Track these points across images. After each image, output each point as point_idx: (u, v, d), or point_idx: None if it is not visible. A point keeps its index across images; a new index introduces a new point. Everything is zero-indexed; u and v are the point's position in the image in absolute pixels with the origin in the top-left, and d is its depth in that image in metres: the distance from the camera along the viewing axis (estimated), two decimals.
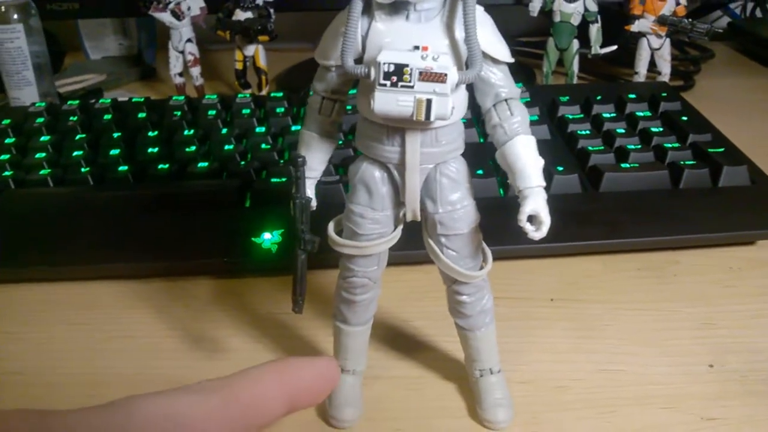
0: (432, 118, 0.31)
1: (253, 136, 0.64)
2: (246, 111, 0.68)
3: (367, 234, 0.36)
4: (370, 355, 0.42)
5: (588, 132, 0.64)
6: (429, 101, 0.31)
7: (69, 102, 0.72)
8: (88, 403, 0.41)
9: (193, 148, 0.63)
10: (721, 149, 0.61)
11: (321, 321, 0.47)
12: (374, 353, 0.44)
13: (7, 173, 0.60)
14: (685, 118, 0.66)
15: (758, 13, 1.09)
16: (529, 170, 0.34)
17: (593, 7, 0.78)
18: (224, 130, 0.66)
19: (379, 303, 0.40)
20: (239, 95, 0.72)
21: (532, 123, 0.64)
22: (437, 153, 0.34)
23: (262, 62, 0.81)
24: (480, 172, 0.57)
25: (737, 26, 1.04)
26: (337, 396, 0.40)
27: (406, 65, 0.31)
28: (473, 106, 0.36)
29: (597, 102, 0.69)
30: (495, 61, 0.34)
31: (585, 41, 0.80)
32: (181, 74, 0.81)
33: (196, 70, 0.81)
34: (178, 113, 0.68)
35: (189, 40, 0.80)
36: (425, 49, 0.31)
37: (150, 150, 0.62)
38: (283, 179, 0.57)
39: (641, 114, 0.67)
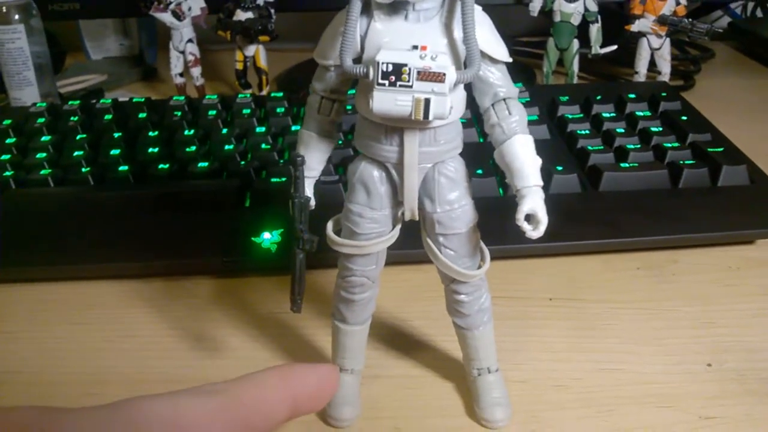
0: (430, 117, 0.31)
1: (253, 136, 0.65)
2: (246, 111, 0.69)
3: (365, 233, 0.36)
4: (368, 354, 0.42)
5: (588, 132, 0.64)
6: (427, 101, 0.31)
7: (70, 102, 0.72)
8: (88, 402, 0.42)
9: (194, 148, 0.63)
10: (721, 149, 0.61)
11: (320, 320, 0.47)
12: (372, 352, 0.44)
13: (8, 173, 0.60)
14: (684, 118, 0.66)
15: (759, 13, 1.09)
16: (527, 169, 0.34)
17: (593, 7, 0.78)
18: (224, 130, 0.66)
19: (377, 302, 0.40)
20: (239, 95, 0.72)
21: (532, 123, 0.64)
22: (435, 152, 0.35)
23: (262, 62, 0.81)
24: (479, 171, 0.57)
25: (738, 26, 1.04)
26: (335, 395, 0.40)
27: (405, 65, 0.31)
28: (473, 105, 0.36)
29: (597, 102, 0.69)
30: (493, 60, 0.34)
31: (585, 41, 0.80)
32: (181, 74, 0.82)
33: (196, 71, 0.82)
34: (179, 113, 0.68)
35: (190, 41, 0.80)
36: (424, 48, 0.31)
37: (150, 150, 0.63)
38: (283, 179, 0.57)
39: (641, 114, 0.67)
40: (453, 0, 0.32)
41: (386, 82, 0.31)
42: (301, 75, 0.89)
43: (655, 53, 0.81)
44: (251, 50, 0.80)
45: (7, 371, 0.45)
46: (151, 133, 0.65)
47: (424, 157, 0.34)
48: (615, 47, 0.80)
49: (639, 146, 0.61)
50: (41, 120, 0.68)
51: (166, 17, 0.77)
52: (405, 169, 0.35)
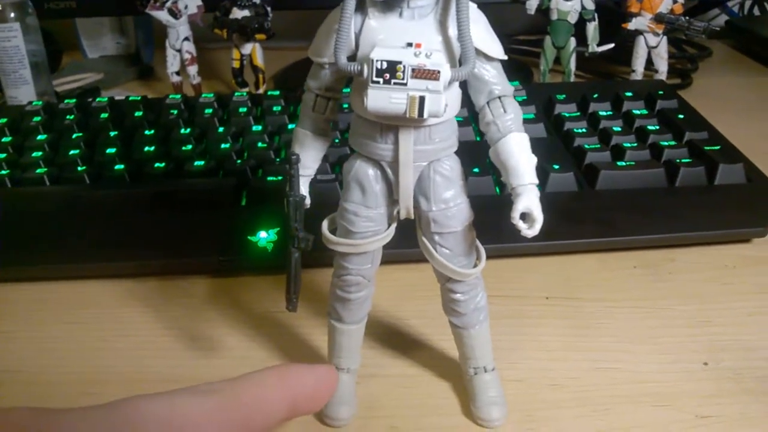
0: (425, 115, 0.31)
1: (249, 135, 0.64)
2: (243, 109, 0.68)
3: (361, 232, 0.36)
4: (364, 353, 0.42)
5: (584, 130, 0.64)
6: (422, 98, 0.31)
7: (66, 101, 0.72)
8: (85, 402, 0.41)
9: (190, 146, 0.63)
10: (718, 147, 0.61)
11: (316, 319, 0.47)
12: (369, 351, 0.44)
13: (3, 172, 0.60)
14: (681, 116, 0.66)
15: (756, 11, 1.09)
16: (522, 168, 0.34)
17: (590, 5, 0.78)
18: (221, 129, 0.66)
19: (373, 301, 0.40)
20: (236, 94, 0.72)
21: (528, 121, 0.64)
22: (431, 150, 0.34)
23: (259, 61, 0.81)
24: (476, 170, 0.57)
25: (735, 24, 1.04)
26: None
27: (399, 62, 0.31)
28: (469, 104, 0.36)
29: (593, 100, 0.69)
30: (488, 58, 0.34)
31: (582, 39, 0.80)
32: (178, 73, 0.81)
33: (193, 69, 0.81)
34: (175, 112, 0.68)
35: (186, 39, 0.80)
36: (418, 46, 0.31)
37: (146, 149, 0.62)
38: (280, 178, 0.57)
39: (638, 112, 0.67)
40: None
41: (381, 80, 0.31)
42: (297, 73, 0.89)
43: (652, 51, 0.81)
44: (248, 48, 0.80)
45: (3, 370, 0.45)
46: (147, 132, 0.65)
47: (420, 155, 0.34)
48: (612, 45, 0.80)
49: (636, 145, 0.61)
50: (37, 118, 0.68)
51: (163, 15, 0.77)
52: (400, 168, 0.34)
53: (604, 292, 0.50)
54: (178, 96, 0.72)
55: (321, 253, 0.37)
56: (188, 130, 0.65)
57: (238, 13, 0.77)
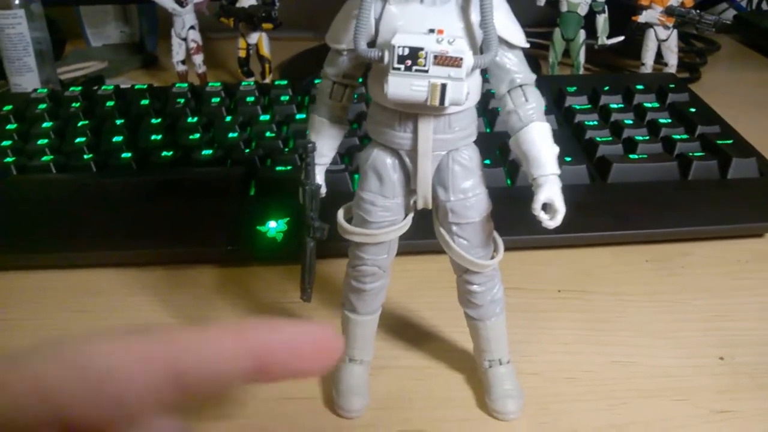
0: (446, 103, 0.31)
1: (257, 124, 0.64)
2: (250, 99, 0.68)
3: (377, 221, 0.36)
4: (377, 344, 0.41)
5: (596, 123, 0.63)
6: (444, 86, 0.30)
7: (71, 88, 0.71)
8: None
9: (197, 135, 0.62)
10: (730, 141, 0.60)
11: (328, 310, 0.46)
12: (382, 343, 0.44)
13: (9, 159, 0.59)
14: (693, 110, 0.65)
15: (764, 6, 1.08)
16: (543, 158, 0.34)
17: None
18: (228, 118, 0.65)
19: (387, 292, 0.40)
20: (243, 83, 0.71)
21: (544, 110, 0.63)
22: (450, 140, 0.34)
23: (265, 50, 0.80)
24: (487, 162, 0.56)
25: (743, 19, 1.03)
26: (344, 385, 0.40)
27: (421, 49, 0.30)
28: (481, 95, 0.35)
29: (604, 93, 0.68)
30: (510, 45, 0.33)
31: (592, 32, 0.79)
32: (183, 62, 0.81)
33: (198, 58, 0.81)
34: (182, 100, 0.68)
35: (192, 28, 0.79)
36: (440, 32, 0.31)
37: (153, 137, 0.62)
38: (289, 167, 0.57)
39: (649, 105, 0.66)
40: None
41: (402, 67, 0.30)
42: (304, 63, 0.88)
43: (662, 45, 0.80)
44: (254, 38, 0.79)
45: None
46: (153, 120, 0.65)
47: (439, 144, 0.34)
48: (622, 38, 0.80)
49: (648, 138, 0.61)
50: (42, 106, 0.67)
51: (168, 3, 0.76)
52: (419, 157, 0.34)
53: (618, 285, 0.50)
54: (185, 85, 0.71)
55: (335, 243, 0.37)
56: (195, 119, 0.65)
57: (245, 2, 0.76)
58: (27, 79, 0.76)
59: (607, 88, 0.69)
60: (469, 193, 0.35)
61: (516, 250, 0.52)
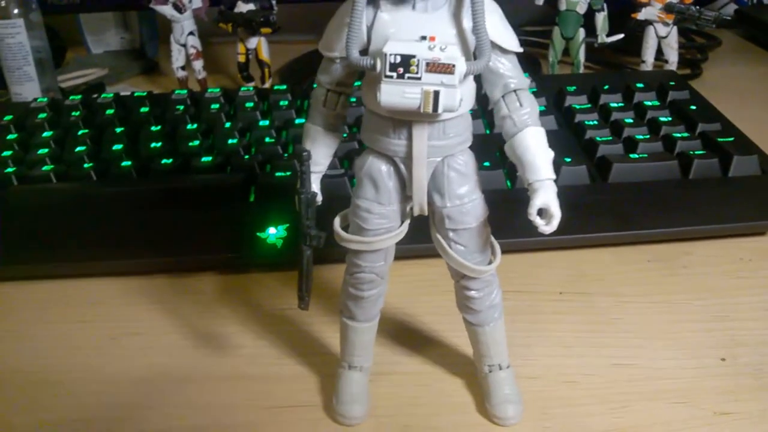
0: (440, 110, 0.31)
1: (256, 130, 0.64)
2: (249, 104, 0.68)
3: (374, 229, 0.36)
4: (377, 351, 0.41)
5: (596, 122, 0.63)
6: (437, 93, 0.30)
7: (71, 97, 0.71)
8: (92, 401, 0.41)
9: (197, 142, 0.62)
10: (731, 138, 0.60)
11: (327, 317, 0.46)
12: (381, 349, 0.44)
13: (9, 169, 0.59)
14: (693, 107, 0.65)
15: (765, 0, 1.08)
16: (538, 162, 0.33)
17: None
18: (228, 124, 0.65)
19: (386, 298, 0.40)
20: (242, 88, 0.71)
21: (539, 113, 0.63)
22: (445, 146, 0.34)
23: (264, 55, 0.80)
24: (487, 164, 0.56)
25: (744, 13, 1.03)
26: (344, 393, 0.40)
27: (413, 56, 0.30)
28: (477, 95, 0.35)
29: (604, 91, 0.68)
30: (503, 50, 0.33)
31: (591, 30, 0.79)
32: (183, 68, 0.81)
33: (198, 64, 0.81)
34: (181, 107, 0.68)
35: (191, 33, 0.79)
36: (432, 39, 0.31)
37: (153, 145, 0.62)
38: (288, 173, 0.57)
39: (649, 103, 0.66)
40: None
41: (394, 74, 0.30)
42: (303, 67, 0.88)
43: (661, 42, 0.80)
44: (253, 43, 0.79)
45: (10, 370, 0.44)
46: (153, 128, 0.65)
47: (433, 150, 0.34)
48: (621, 36, 0.79)
49: (648, 136, 0.60)
50: (43, 115, 0.68)
51: (167, 10, 0.77)
52: (414, 163, 0.34)
53: (619, 286, 0.50)
54: (184, 91, 0.71)
55: (333, 250, 0.37)
56: (195, 125, 0.65)
57: (243, 7, 0.76)
58: (27, 89, 0.76)
59: (607, 86, 0.68)
60: (465, 199, 0.35)
61: (517, 252, 0.52)
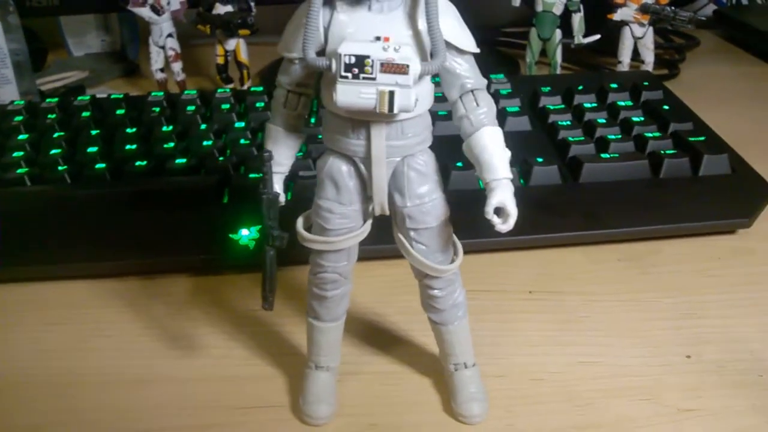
0: (395, 110, 0.31)
1: (232, 132, 0.64)
2: (225, 106, 0.68)
3: (335, 229, 0.36)
4: (344, 350, 0.41)
5: (569, 123, 0.63)
6: (392, 93, 0.31)
7: (47, 100, 0.71)
8: (62, 404, 0.41)
9: (172, 144, 0.62)
10: (702, 138, 0.60)
11: (297, 317, 0.47)
12: (349, 349, 0.44)
13: None
14: (666, 107, 0.65)
15: (744, 1, 1.08)
16: (495, 162, 0.34)
17: None
18: (203, 126, 0.65)
19: (353, 298, 0.40)
20: (219, 90, 0.71)
21: (513, 114, 0.64)
22: (404, 146, 0.34)
23: (243, 56, 0.80)
24: (459, 164, 0.56)
25: (723, 14, 1.03)
26: (311, 393, 0.40)
27: (368, 57, 0.30)
28: None
29: (578, 92, 0.68)
30: (460, 51, 0.33)
31: (568, 31, 0.79)
32: (162, 70, 0.81)
33: (177, 66, 0.81)
34: (157, 109, 0.68)
35: (170, 35, 0.79)
36: (387, 40, 0.31)
37: (128, 147, 0.62)
38: (261, 174, 0.56)
39: (622, 103, 0.66)
40: None
41: (349, 75, 0.30)
42: None
43: (638, 42, 0.80)
44: (232, 44, 0.79)
45: None
46: (129, 130, 0.65)
47: (393, 150, 0.34)
48: (598, 37, 0.80)
49: (620, 136, 0.61)
50: (18, 118, 0.67)
51: (145, 12, 0.77)
52: (373, 163, 0.34)
53: (588, 285, 0.50)
54: (161, 93, 0.71)
55: (299, 251, 0.37)
56: (170, 127, 0.65)
57: (221, 9, 0.76)
58: (5, 92, 0.76)
59: (581, 87, 0.69)
60: (426, 198, 0.35)
61: (488, 251, 0.52)
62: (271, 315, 0.46)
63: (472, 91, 0.34)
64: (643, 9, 0.77)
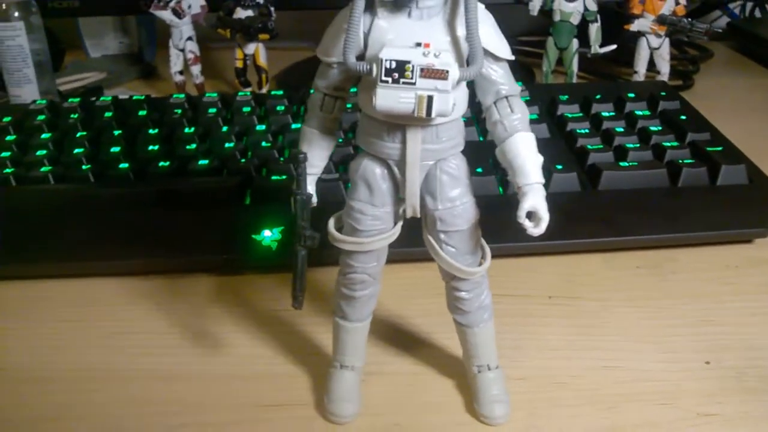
0: (433, 114, 0.32)
1: (253, 134, 0.65)
2: (246, 109, 0.69)
3: (367, 230, 0.36)
4: (369, 351, 0.42)
5: (587, 131, 0.64)
6: (430, 98, 0.31)
7: (70, 99, 0.72)
8: (84, 400, 0.42)
9: (194, 145, 0.63)
10: (720, 148, 0.61)
11: (320, 317, 0.47)
12: (373, 349, 0.44)
13: (8, 170, 0.60)
14: (683, 117, 0.66)
15: (757, 13, 1.09)
16: (528, 167, 0.34)
17: (593, 7, 0.78)
18: (225, 128, 0.66)
19: (378, 299, 0.41)
20: (239, 93, 0.72)
21: (532, 122, 0.64)
22: (438, 150, 0.35)
23: (262, 60, 0.81)
24: (479, 170, 0.57)
25: (736, 26, 1.04)
26: (335, 391, 0.40)
27: (408, 62, 0.31)
28: (472, 104, 0.36)
29: (596, 101, 0.69)
30: (496, 58, 0.34)
31: (585, 40, 0.80)
32: (181, 72, 0.82)
33: (196, 69, 0.82)
34: (179, 111, 0.69)
35: (189, 38, 0.80)
36: (427, 46, 0.31)
37: (151, 147, 0.63)
38: (284, 177, 0.57)
39: (640, 113, 0.67)
40: None
41: (389, 80, 0.31)
42: (300, 73, 0.89)
43: (654, 53, 0.81)
44: (251, 48, 0.80)
45: (1, 368, 0.45)
46: (151, 131, 0.65)
47: (427, 154, 0.35)
48: (614, 47, 0.81)
49: (638, 145, 0.61)
50: (41, 117, 0.68)
51: (166, 15, 0.77)
52: (407, 167, 0.35)
53: (607, 291, 0.51)
54: (182, 95, 0.72)
55: (327, 252, 0.38)
56: (192, 129, 0.65)
57: (241, 13, 0.77)
58: (26, 91, 0.77)
59: (599, 96, 0.70)
60: (457, 202, 0.36)
61: (508, 257, 0.53)
62: (295, 315, 0.47)
63: (506, 97, 0.35)
64: (660, 20, 0.78)
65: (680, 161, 0.59)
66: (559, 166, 0.58)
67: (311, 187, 0.38)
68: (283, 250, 0.52)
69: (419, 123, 0.33)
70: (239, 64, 0.82)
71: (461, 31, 0.32)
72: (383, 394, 0.42)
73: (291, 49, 0.95)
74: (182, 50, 0.80)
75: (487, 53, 0.33)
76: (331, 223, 0.38)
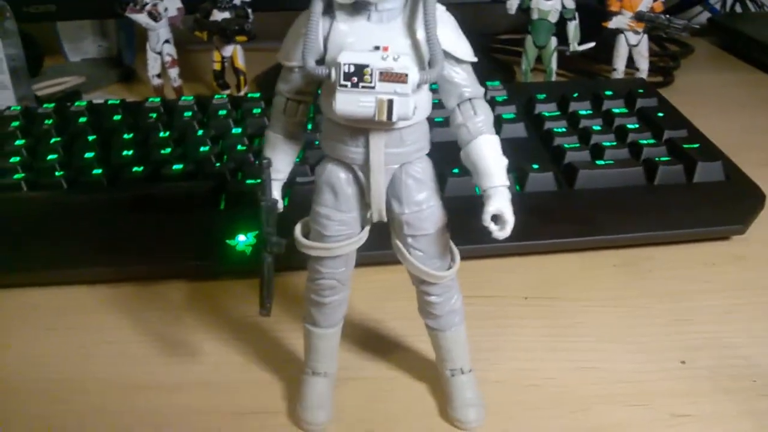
0: (394, 118, 0.31)
1: (229, 138, 0.64)
2: (222, 112, 0.68)
3: (333, 235, 0.36)
4: (342, 356, 0.42)
5: (564, 129, 0.64)
6: (390, 101, 0.31)
7: (44, 105, 0.71)
8: (60, 410, 0.41)
9: (169, 150, 0.62)
10: (696, 145, 0.61)
11: (294, 323, 0.47)
12: (346, 354, 0.44)
13: None
14: (661, 114, 0.66)
15: (738, 8, 1.09)
16: (492, 169, 0.34)
17: (571, 4, 0.78)
18: (200, 132, 0.65)
19: (351, 304, 0.40)
20: (216, 96, 0.71)
21: (509, 121, 0.64)
22: (402, 153, 0.34)
23: (240, 63, 0.81)
24: (456, 171, 0.57)
25: (717, 21, 1.04)
26: (308, 399, 0.40)
27: (367, 66, 0.31)
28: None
29: (574, 99, 0.69)
30: (458, 60, 0.34)
31: (563, 38, 0.80)
32: (159, 75, 0.81)
33: (174, 72, 0.81)
34: (154, 115, 0.68)
35: (167, 41, 0.79)
36: (386, 49, 0.31)
37: (125, 152, 0.62)
38: (258, 180, 0.57)
39: (617, 111, 0.67)
40: (416, 0, 0.32)
41: (348, 83, 0.31)
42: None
43: (633, 50, 0.81)
44: (229, 51, 0.80)
45: None
46: (125, 136, 0.65)
47: (391, 158, 0.34)
48: (593, 44, 0.80)
49: (615, 144, 0.61)
50: (15, 123, 0.67)
51: (142, 18, 0.77)
52: (371, 171, 0.34)
53: (584, 291, 0.50)
54: (158, 99, 0.71)
55: (296, 257, 0.37)
56: (167, 133, 0.65)
57: (218, 15, 0.77)
58: (2, 97, 0.76)
59: (576, 94, 0.69)
60: (423, 205, 0.36)
61: (484, 258, 0.53)
62: (268, 321, 0.47)
63: (469, 99, 0.34)
64: (638, 17, 0.78)
65: (657, 159, 0.59)
66: (536, 166, 0.57)
67: (277, 193, 0.37)
68: (257, 255, 0.51)
69: (382, 127, 0.33)
70: (217, 66, 0.81)
71: (421, 34, 0.32)
72: (356, 400, 0.42)
73: (269, 50, 0.93)
74: (160, 53, 0.79)
75: (449, 55, 0.33)
76: (298, 228, 0.37)
